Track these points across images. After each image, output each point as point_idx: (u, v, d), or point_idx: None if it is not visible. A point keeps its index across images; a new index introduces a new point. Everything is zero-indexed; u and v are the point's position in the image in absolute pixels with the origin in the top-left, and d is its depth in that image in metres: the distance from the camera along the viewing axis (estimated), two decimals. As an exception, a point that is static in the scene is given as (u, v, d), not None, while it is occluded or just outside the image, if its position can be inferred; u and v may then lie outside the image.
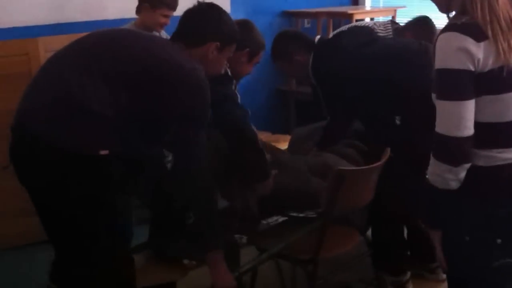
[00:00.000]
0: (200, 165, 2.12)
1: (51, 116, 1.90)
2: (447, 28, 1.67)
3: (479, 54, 1.61)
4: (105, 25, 3.78)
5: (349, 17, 4.87)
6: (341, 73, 2.66)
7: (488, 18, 1.62)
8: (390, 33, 3.58)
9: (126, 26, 3.47)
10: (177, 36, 2.19)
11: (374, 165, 2.45)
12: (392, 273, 2.90)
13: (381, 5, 5.56)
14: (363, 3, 5.63)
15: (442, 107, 1.67)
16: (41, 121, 1.90)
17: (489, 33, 1.61)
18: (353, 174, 2.41)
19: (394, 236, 2.90)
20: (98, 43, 2.07)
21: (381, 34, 3.42)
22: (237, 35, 2.26)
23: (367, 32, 2.95)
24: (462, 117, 1.64)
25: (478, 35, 1.62)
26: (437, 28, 3.04)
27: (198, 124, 2.10)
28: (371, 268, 2.82)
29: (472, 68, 1.62)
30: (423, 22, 3.53)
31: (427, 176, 1.76)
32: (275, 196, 2.50)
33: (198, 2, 2.26)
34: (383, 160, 2.47)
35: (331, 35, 2.80)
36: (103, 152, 1.90)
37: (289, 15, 5.11)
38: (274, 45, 2.90)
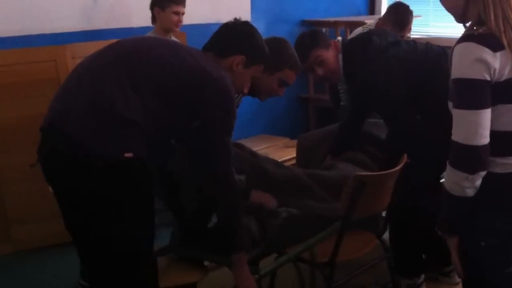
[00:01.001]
0: (227, 170, 2.13)
1: (82, 119, 1.90)
2: (464, 39, 1.67)
3: (495, 64, 1.63)
4: (130, 33, 3.86)
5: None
6: (373, 69, 2.67)
7: (502, 27, 1.63)
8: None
9: (148, 34, 3.57)
10: (208, 46, 2.23)
11: (392, 170, 2.45)
12: (407, 276, 2.91)
13: (397, 14, 5.59)
14: (379, 13, 5.65)
15: (459, 115, 1.68)
16: (72, 124, 1.90)
17: (504, 42, 1.62)
18: (372, 179, 2.41)
19: (411, 239, 2.89)
20: (128, 51, 2.08)
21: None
22: (266, 55, 2.28)
23: (393, 34, 2.97)
24: (479, 126, 1.65)
25: (495, 45, 1.63)
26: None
27: (224, 129, 2.11)
28: (387, 271, 2.81)
29: (488, 78, 1.63)
30: (394, 8, 3.61)
31: (443, 183, 1.77)
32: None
33: (235, 19, 2.30)
34: (401, 165, 2.47)
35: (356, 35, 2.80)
36: (128, 155, 1.90)
37: (308, 24, 5.16)
38: (301, 39, 2.89)
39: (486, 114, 1.65)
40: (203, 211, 2.45)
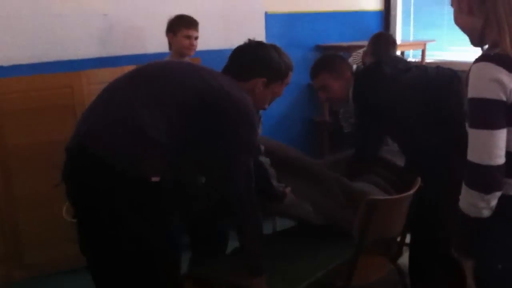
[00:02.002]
0: (248, 190, 2.13)
1: (110, 140, 1.93)
2: (480, 59, 1.69)
3: (511, 85, 1.63)
4: (146, 59, 3.87)
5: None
6: (383, 98, 2.68)
7: None
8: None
9: (166, 59, 3.61)
10: (227, 70, 2.27)
11: (405, 194, 2.45)
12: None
13: (411, 39, 5.60)
14: (393, 37, 5.69)
15: (475, 135, 1.69)
16: (100, 144, 1.93)
17: None
18: (384, 203, 2.41)
19: (428, 261, 2.85)
20: (154, 73, 2.13)
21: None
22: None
23: (403, 60, 2.98)
24: (494, 146, 1.65)
25: (511, 66, 1.64)
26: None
27: (246, 150, 2.14)
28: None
29: (504, 98, 1.64)
30: (375, 38, 3.60)
31: (459, 204, 1.77)
32: None
33: (249, 40, 2.35)
34: (414, 189, 2.47)
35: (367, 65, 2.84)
36: (155, 179, 1.93)
37: (322, 49, 5.19)
38: (321, 59, 2.94)
39: (502, 134, 1.66)
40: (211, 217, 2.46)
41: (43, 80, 3.49)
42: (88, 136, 1.96)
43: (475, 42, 1.78)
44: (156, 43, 3.84)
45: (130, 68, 3.81)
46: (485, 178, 1.67)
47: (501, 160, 1.67)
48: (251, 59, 2.28)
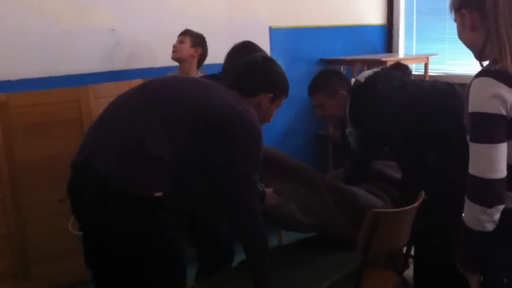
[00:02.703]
0: (253, 206, 2.16)
1: (113, 157, 1.95)
2: (481, 74, 1.70)
3: (511, 98, 1.65)
4: (152, 73, 3.94)
5: (383, 64, 4.93)
6: (377, 116, 2.70)
7: None
8: None
9: (170, 73, 3.65)
10: (233, 85, 2.27)
11: (409, 207, 2.45)
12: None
13: (414, 53, 5.63)
14: (397, 51, 5.70)
15: (475, 149, 1.70)
16: (103, 161, 1.95)
17: None
18: (388, 216, 2.41)
19: (433, 275, 2.84)
20: (158, 90, 2.14)
21: None
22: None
23: (398, 76, 2.99)
24: (495, 160, 1.66)
25: (511, 81, 1.65)
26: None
27: (251, 166, 2.15)
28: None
29: (504, 112, 1.65)
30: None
31: (462, 218, 1.77)
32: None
33: (254, 56, 2.37)
34: (418, 202, 2.48)
35: (364, 78, 2.86)
36: (158, 194, 1.93)
37: (325, 63, 5.22)
38: (318, 77, 2.97)
39: (503, 148, 1.67)
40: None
41: (51, 94, 3.51)
42: (91, 154, 1.98)
43: (477, 56, 1.80)
44: (163, 57, 3.88)
45: (137, 82, 3.87)
46: (487, 191, 1.68)
47: (502, 174, 1.68)
48: (258, 75, 2.30)
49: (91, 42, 3.89)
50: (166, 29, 4.04)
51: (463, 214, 1.78)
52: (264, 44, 4.72)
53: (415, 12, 5.62)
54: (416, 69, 5.48)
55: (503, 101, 1.65)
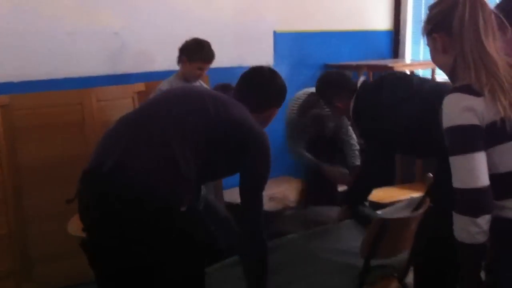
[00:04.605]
0: (258, 224, 2.17)
1: (150, 172, 1.92)
2: (450, 91, 1.76)
3: (481, 108, 1.69)
4: (154, 76, 3.93)
5: (389, 70, 4.92)
6: (379, 126, 2.71)
7: (484, 80, 1.70)
8: None
9: (170, 78, 3.62)
10: (244, 100, 2.23)
11: (415, 214, 2.46)
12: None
13: (421, 58, 5.61)
14: (403, 57, 5.69)
15: (455, 162, 1.73)
16: (135, 175, 1.91)
17: (486, 92, 1.69)
18: (394, 223, 2.42)
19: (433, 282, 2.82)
20: (182, 105, 2.12)
21: None
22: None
23: (405, 88, 2.94)
24: (474, 169, 1.69)
25: (478, 92, 1.70)
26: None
27: (260, 184, 2.17)
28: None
29: (478, 122, 1.70)
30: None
31: (454, 234, 1.76)
32: None
33: (261, 70, 2.36)
34: (423, 209, 2.47)
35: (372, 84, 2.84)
36: (183, 209, 1.95)
37: (331, 68, 5.20)
38: (316, 85, 2.98)
39: (480, 157, 1.70)
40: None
41: (54, 97, 3.53)
42: (120, 165, 1.93)
43: (448, 76, 1.88)
44: (166, 61, 3.86)
45: (139, 86, 3.86)
46: (470, 201, 1.70)
47: (483, 182, 1.69)
48: (269, 92, 2.32)
49: (94, 45, 3.89)
50: (170, 33, 4.04)
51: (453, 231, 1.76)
52: (268, 48, 4.71)
53: (422, 17, 5.59)
54: (423, 75, 5.45)
55: (474, 112, 1.69)
